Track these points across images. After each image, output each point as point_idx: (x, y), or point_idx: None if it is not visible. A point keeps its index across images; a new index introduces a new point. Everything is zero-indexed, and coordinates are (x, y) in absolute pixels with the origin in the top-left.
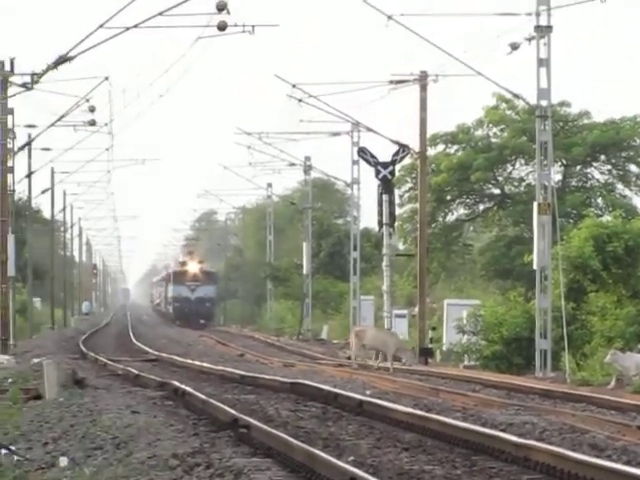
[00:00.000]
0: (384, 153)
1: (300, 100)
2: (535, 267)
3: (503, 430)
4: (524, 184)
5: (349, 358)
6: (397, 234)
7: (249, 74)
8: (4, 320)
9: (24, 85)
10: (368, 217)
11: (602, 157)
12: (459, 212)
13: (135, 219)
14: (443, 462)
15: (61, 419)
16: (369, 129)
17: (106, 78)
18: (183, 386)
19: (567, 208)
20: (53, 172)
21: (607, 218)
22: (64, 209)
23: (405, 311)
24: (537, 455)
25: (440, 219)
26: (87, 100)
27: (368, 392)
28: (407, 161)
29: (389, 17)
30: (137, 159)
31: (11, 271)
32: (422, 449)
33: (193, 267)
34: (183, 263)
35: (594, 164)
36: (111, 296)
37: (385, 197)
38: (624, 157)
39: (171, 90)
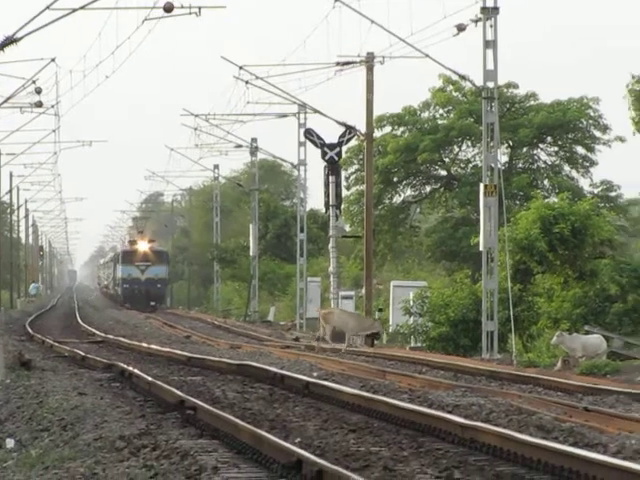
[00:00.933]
0: (331, 135)
1: (247, 82)
2: (482, 249)
3: (450, 412)
4: (471, 166)
5: (319, 339)
6: (344, 216)
7: (196, 56)
8: None
9: None
10: (315, 199)
11: (549, 139)
12: (406, 194)
13: (82, 201)
14: (390, 443)
15: (7, 401)
16: (316, 111)
17: (52, 60)
18: (130, 368)
19: (514, 190)
20: None
21: (554, 200)
22: (10, 191)
23: (352, 292)
24: (484, 436)
25: (387, 201)
26: (33, 82)
27: (315, 374)
28: (354, 143)
29: None
30: (84, 141)
31: None
32: (369, 430)
33: (143, 246)
34: (132, 242)
35: (541, 146)
36: (58, 278)
37: (332, 179)
38: (571, 139)
39: (117, 72)
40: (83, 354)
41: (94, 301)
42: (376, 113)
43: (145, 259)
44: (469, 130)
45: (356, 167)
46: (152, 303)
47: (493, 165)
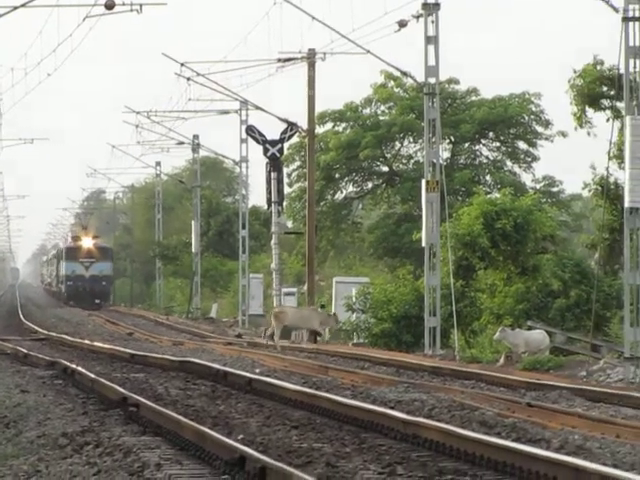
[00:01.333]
0: (273, 131)
1: (188, 79)
2: (424, 244)
3: (392, 407)
4: (412, 161)
5: (270, 339)
6: (286, 213)
7: (137, 53)
8: None
9: None
10: (257, 195)
11: (490, 134)
12: (348, 190)
13: (24, 198)
14: (332, 440)
15: None
16: (257, 107)
17: None
18: (72, 365)
19: (456, 185)
20: None
21: (496, 195)
22: None
23: (294, 289)
24: (426, 432)
25: (329, 197)
26: None
27: (257, 370)
28: (296, 139)
29: None
30: (25, 138)
31: None
32: (311, 427)
33: (87, 242)
34: (76, 238)
35: (482, 141)
36: (0, 276)
37: (274, 175)
38: (512, 134)
39: (59, 69)
40: (26, 351)
41: (37, 299)
42: (318, 109)
43: (89, 255)
44: (411, 126)
45: (298, 164)
46: (97, 301)
47: (435, 161)
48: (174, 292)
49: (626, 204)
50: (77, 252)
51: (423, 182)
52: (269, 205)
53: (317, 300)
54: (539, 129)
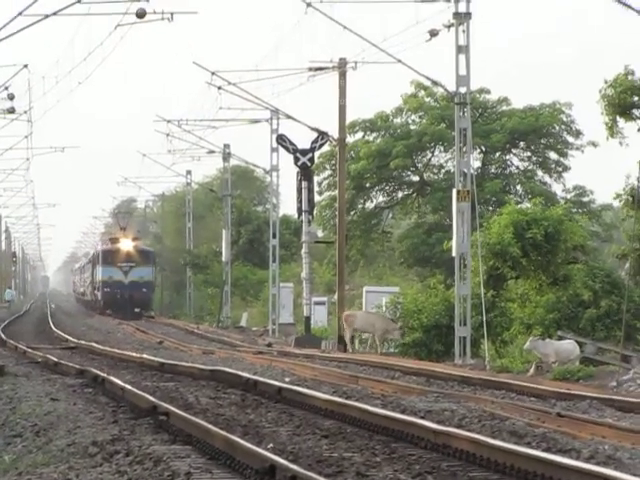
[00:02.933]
0: (303, 140)
1: (219, 87)
2: (454, 254)
3: (422, 417)
4: (443, 171)
5: (348, 343)
6: (316, 222)
7: (168, 61)
8: None
9: None
10: (287, 204)
11: (521, 144)
12: (378, 199)
13: (54, 207)
14: (362, 449)
15: None
16: (288, 116)
17: (25, 66)
18: (102, 373)
19: (486, 195)
20: None
21: (526, 205)
22: None
23: (324, 298)
24: (456, 442)
25: (359, 206)
26: (6, 88)
27: (287, 379)
28: (326, 148)
29: (308, 4)
30: (56, 147)
31: None
32: (341, 436)
33: (126, 245)
34: (114, 240)
35: (513, 151)
36: (30, 284)
37: (304, 184)
38: (543, 144)
39: (90, 77)
40: (56, 360)
41: (68, 308)
42: (349, 119)
43: (129, 259)
44: (441, 136)
45: (328, 173)
46: (136, 310)
47: (466, 170)
48: (204, 301)
49: None
50: (115, 256)
51: (454, 192)
52: (299, 214)
53: (348, 309)
54: (570, 139)
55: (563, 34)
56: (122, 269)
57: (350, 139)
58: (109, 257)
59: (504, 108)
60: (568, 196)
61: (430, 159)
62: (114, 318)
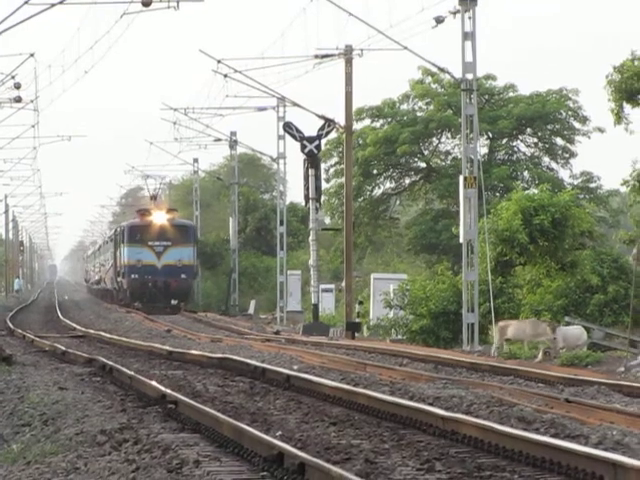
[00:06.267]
0: (310, 128)
1: (225, 75)
2: (462, 241)
3: (431, 404)
4: (450, 157)
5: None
6: (324, 209)
7: (174, 50)
8: None
9: None
10: (294, 192)
11: (528, 130)
12: (385, 186)
13: (62, 196)
14: (371, 436)
15: None
16: (295, 104)
17: (31, 55)
18: (111, 362)
19: (493, 181)
20: None
21: (534, 191)
22: None
23: (332, 285)
24: (465, 428)
25: (366, 193)
26: (12, 77)
27: (295, 367)
28: (333, 135)
29: None
30: (63, 135)
31: None
32: (350, 423)
33: (159, 218)
34: (144, 213)
35: (520, 137)
36: (38, 273)
37: (311, 171)
38: (550, 130)
39: (96, 66)
40: (64, 349)
41: (75, 295)
42: (355, 106)
43: (163, 237)
44: (448, 122)
45: (335, 160)
46: (173, 301)
47: (472, 157)
48: (211, 289)
49: None
50: (145, 232)
51: (461, 178)
52: (307, 201)
53: (355, 296)
54: (576, 125)
55: (569, 19)
56: (154, 249)
57: (357, 126)
58: (137, 234)
59: (511, 94)
60: (575, 182)
61: (437, 146)
62: (144, 314)
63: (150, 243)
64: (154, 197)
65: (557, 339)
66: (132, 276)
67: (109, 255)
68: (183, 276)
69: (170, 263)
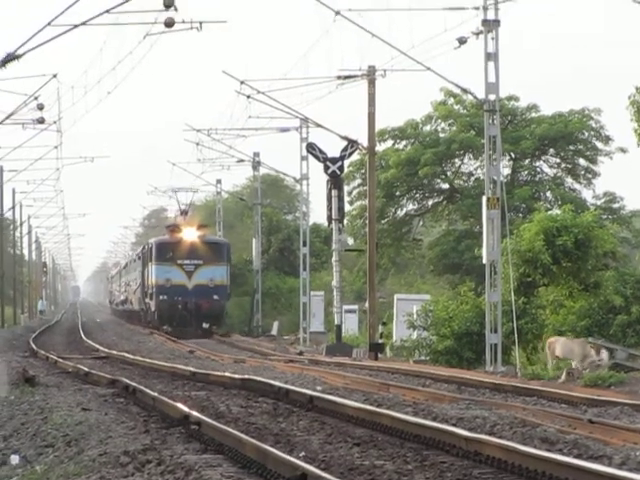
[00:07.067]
0: (333, 149)
1: (249, 96)
2: (485, 261)
3: (454, 424)
4: (473, 178)
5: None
6: (347, 231)
7: (197, 71)
8: None
9: None
10: (317, 213)
11: (551, 150)
12: (408, 207)
13: (84, 217)
14: (394, 457)
15: (12, 417)
16: (318, 125)
17: (54, 76)
18: (134, 383)
19: (516, 202)
20: (2, 170)
21: (556, 212)
22: (13, 207)
23: (355, 306)
24: (488, 449)
25: (389, 214)
26: (35, 98)
27: (319, 388)
28: (356, 157)
29: (337, 12)
30: (86, 156)
31: None
32: (373, 444)
33: (190, 235)
34: (173, 229)
35: (543, 158)
36: (61, 294)
37: (334, 192)
38: (572, 150)
39: (119, 87)
40: (87, 370)
41: (99, 316)
42: (378, 126)
43: (194, 255)
44: (471, 143)
45: (358, 181)
46: (205, 325)
47: (495, 178)
48: (234, 309)
49: None
50: (175, 250)
51: (484, 199)
52: (329, 222)
53: (379, 317)
54: (599, 145)
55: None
56: (185, 268)
57: (379, 147)
58: (167, 252)
59: (533, 115)
60: (598, 202)
61: (460, 167)
62: (173, 338)
63: (180, 262)
64: (184, 212)
65: (603, 360)
66: (160, 297)
67: (136, 274)
68: (215, 297)
69: (202, 283)
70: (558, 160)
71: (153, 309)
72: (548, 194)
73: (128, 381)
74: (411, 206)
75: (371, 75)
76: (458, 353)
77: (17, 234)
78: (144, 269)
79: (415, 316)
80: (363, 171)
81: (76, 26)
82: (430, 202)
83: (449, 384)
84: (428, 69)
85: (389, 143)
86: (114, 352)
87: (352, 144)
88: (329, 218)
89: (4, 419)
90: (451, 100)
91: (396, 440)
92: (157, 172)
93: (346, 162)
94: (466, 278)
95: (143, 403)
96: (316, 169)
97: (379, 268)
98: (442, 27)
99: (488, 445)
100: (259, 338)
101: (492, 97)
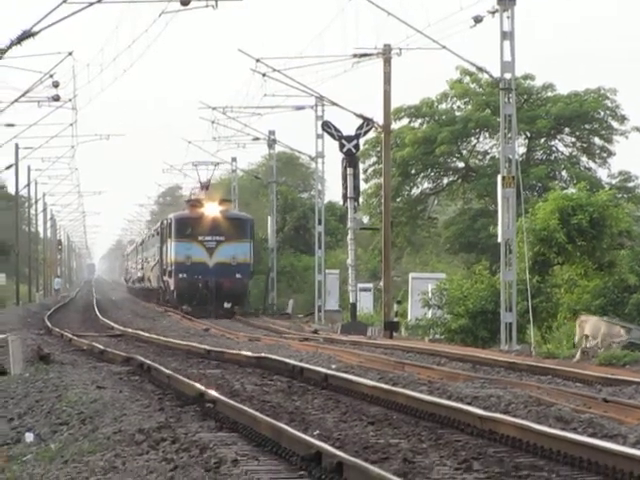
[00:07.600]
0: (348, 127)
1: (264, 74)
2: (500, 240)
3: (469, 403)
4: (488, 157)
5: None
6: (362, 210)
7: (213, 49)
8: None
9: None
10: (333, 191)
11: (566, 130)
12: (424, 186)
13: (100, 194)
14: (409, 435)
15: (26, 395)
16: (333, 103)
17: (70, 53)
18: (148, 361)
19: (531, 181)
20: (17, 148)
21: (571, 191)
22: (28, 185)
23: (370, 285)
24: (503, 428)
25: (405, 193)
26: (51, 76)
27: (333, 366)
28: (371, 135)
29: None
30: (101, 134)
31: None
32: (388, 423)
33: (212, 210)
34: (194, 204)
35: (558, 137)
36: (76, 271)
37: (349, 171)
38: (588, 129)
39: (135, 65)
40: (102, 347)
41: (113, 293)
42: (393, 105)
43: (216, 231)
44: (486, 122)
45: (374, 160)
46: (226, 304)
47: (511, 156)
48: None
49: None
50: (195, 226)
51: (499, 178)
52: (345, 201)
53: (394, 296)
54: (615, 124)
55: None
56: (206, 245)
57: (395, 125)
58: (187, 227)
59: (549, 94)
60: (613, 181)
61: (475, 145)
62: (192, 317)
63: (201, 238)
64: (205, 186)
65: (623, 339)
66: (180, 275)
67: (154, 251)
68: (238, 276)
69: (223, 261)
70: (573, 139)
71: (172, 288)
72: (563, 173)
73: (143, 359)
74: (426, 184)
75: (387, 54)
76: (473, 332)
77: (32, 212)
78: (163, 246)
79: (430, 295)
80: (378, 149)
81: (92, 4)
82: (445, 181)
83: (464, 363)
84: (444, 47)
85: (404, 121)
86: (129, 330)
87: (367, 122)
88: (344, 196)
89: (19, 397)
90: (467, 78)
91: (411, 419)
92: (173, 150)
93: (361, 140)
94: (481, 257)
95: (158, 381)
96: (331, 147)
97: (394, 247)
98: (458, 6)
99: (503, 424)
100: (274, 316)
101: (508, 76)
